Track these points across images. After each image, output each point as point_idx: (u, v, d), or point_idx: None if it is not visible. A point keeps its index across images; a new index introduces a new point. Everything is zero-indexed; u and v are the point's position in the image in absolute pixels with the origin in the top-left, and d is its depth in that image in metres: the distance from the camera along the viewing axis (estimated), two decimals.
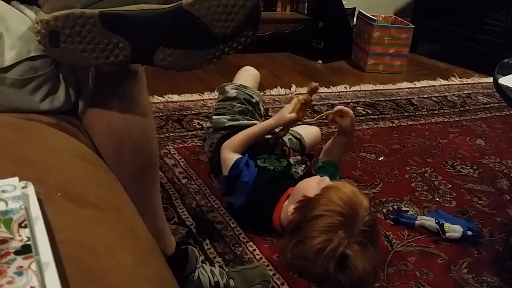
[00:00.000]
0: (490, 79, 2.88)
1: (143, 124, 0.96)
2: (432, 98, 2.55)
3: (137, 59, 0.83)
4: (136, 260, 0.47)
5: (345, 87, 2.56)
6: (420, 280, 1.28)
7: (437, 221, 1.46)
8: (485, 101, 2.59)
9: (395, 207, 1.58)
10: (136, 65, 0.95)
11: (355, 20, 3.13)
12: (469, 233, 1.43)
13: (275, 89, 2.49)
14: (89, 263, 0.42)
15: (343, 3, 3.01)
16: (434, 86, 2.72)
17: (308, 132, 1.83)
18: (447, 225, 1.45)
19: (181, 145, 1.87)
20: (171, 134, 1.95)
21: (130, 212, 0.55)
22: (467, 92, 2.68)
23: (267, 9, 3.10)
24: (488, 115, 2.41)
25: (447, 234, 1.44)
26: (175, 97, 2.29)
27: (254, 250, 1.35)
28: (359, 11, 3.03)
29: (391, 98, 2.50)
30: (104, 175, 0.58)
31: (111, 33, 0.79)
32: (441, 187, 1.73)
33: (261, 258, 1.32)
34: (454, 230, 1.44)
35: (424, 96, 2.56)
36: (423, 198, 1.65)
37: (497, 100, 2.60)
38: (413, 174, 1.80)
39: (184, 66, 0.85)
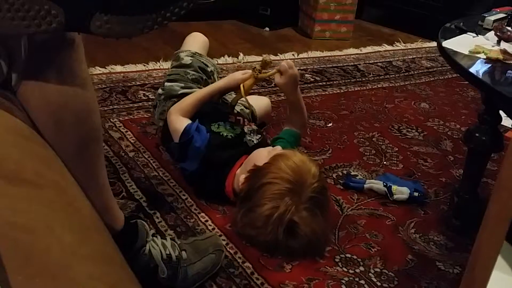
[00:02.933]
0: (433, 44, 2.94)
1: (82, 96, 0.91)
2: (378, 63, 2.58)
3: (72, 26, 0.78)
4: (77, 239, 0.45)
5: (293, 55, 2.55)
6: (370, 242, 1.31)
7: (385, 184, 1.49)
8: (429, 65, 2.64)
9: (345, 172, 1.60)
10: (74, 33, 0.89)
11: None
12: (416, 194, 1.47)
13: (222, 57, 2.44)
14: (26, 244, 0.40)
15: None
16: (379, 51, 2.75)
17: (258, 102, 1.81)
18: (394, 187, 1.48)
19: (126, 118, 1.81)
20: (115, 107, 1.88)
21: (71, 188, 0.51)
22: (411, 57, 2.73)
23: None
24: (431, 79, 2.47)
25: (395, 196, 1.47)
26: (119, 68, 2.21)
27: (207, 221, 1.33)
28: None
29: (338, 65, 2.51)
30: (42, 150, 0.54)
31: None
32: (388, 150, 1.76)
33: (213, 229, 1.31)
34: (401, 192, 1.48)
35: (370, 62, 2.59)
36: (371, 162, 1.68)
37: (440, 64, 2.66)
38: (361, 139, 1.82)
39: (124, 33, 0.80)
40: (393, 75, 2.45)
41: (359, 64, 2.53)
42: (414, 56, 2.73)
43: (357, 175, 1.59)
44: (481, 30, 1.32)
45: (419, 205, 1.47)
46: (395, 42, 2.89)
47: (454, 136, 1.91)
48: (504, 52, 1.14)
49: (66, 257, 0.42)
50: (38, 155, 0.53)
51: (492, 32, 1.29)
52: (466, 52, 1.16)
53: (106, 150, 1.59)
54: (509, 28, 1.27)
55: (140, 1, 0.78)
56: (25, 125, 0.74)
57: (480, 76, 1.05)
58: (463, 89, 2.38)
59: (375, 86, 2.30)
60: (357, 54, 2.68)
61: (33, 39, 0.84)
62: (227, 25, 3.02)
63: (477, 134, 1.27)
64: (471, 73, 1.06)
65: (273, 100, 1.97)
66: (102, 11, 0.77)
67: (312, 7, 2.88)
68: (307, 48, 2.67)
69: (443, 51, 1.17)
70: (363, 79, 2.37)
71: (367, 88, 2.28)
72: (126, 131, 1.73)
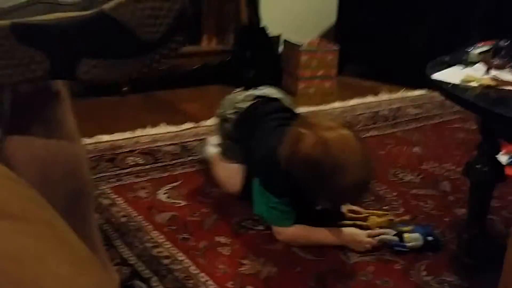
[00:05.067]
0: (417, 92, 2.98)
1: (70, 149, 0.87)
2: (365, 114, 2.59)
3: (58, 73, 0.76)
4: (71, 270, 0.40)
5: None
6: None
7: (395, 232, 1.42)
8: (415, 112, 2.66)
9: None
10: (59, 85, 0.87)
11: (281, 47, 3.17)
12: (429, 238, 1.40)
13: (209, 120, 2.43)
14: (15, 274, 0.35)
15: (267, 32, 3.04)
16: (364, 103, 2.76)
17: None
18: (406, 235, 1.41)
19: (116, 184, 1.76)
20: (104, 174, 1.83)
21: (61, 225, 0.47)
22: (396, 106, 2.74)
23: (193, 43, 3.07)
24: (420, 125, 2.47)
25: (409, 244, 1.40)
26: (105, 137, 2.18)
27: (207, 280, 1.26)
28: (284, 39, 3.07)
29: None
30: (29, 191, 0.49)
31: (26, 46, 0.72)
32: (386, 196, 1.72)
33: None
34: (415, 238, 1.40)
35: (357, 113, 2.60)
36: (372, 209, 1.63)
37: (426, 111, 2.68)
38: None
39: (112, 78, 0.78)
40: (381, 124, 2.46)
41: (346, 116, 2.54)
42: (399, 105, 2.75)
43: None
44: (467, 63, 1.33)
45: (435, 250, 1.40)
46: (379, 93, 2.92)
47: (451, 177, 1.88)
48: (495, 79, 1.14)
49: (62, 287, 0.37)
50: (26, 195, 0.48)
51: (480, 64, 1.29)
52: (458, 82, 1.15)
53: (96, 217, 1.53)
54: (496, 59, 1.28)
55: (128, 44, 0.76)
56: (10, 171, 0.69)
57: (477, 102, 1.03)
58: (452, 132, 2.38)
59: (365, 135, 2.29)
60: (343, 106, 2.70)
61: (18, 92, 0.81)
62: (212, 89, 3.04)
63: (477, 166, 1.24)
64: (467, 100, 1.04)
65: None
66: (89, 56, 0.75)
67: (294, 66, 2.92)
68: (292, 105, 2.67)
69: (433, 83, 1.16)
70: (352, 129, 2.36)
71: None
72: (116, 197, 1.67)
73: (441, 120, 2.55)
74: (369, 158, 1.34)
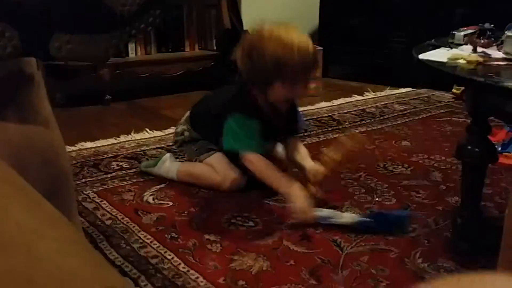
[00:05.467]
0: (402, 90, 2.98)
1: (47, 136, 0.83)
2: (352, 112, 2.57)
3: (29, 50, 0.72)
4: (40, 222, 0.36)
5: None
6: (377, 277, 1.20)
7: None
8: (402, 108, 2.65)
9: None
10: (33, 69, 0.83)
11: None
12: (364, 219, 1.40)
13: None
14: None
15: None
16: (351, 102, 2.75)
17: None
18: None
19: (100, 188, 1.71)
20: (88, 179, 1.79)
21: (31, 189, 0.43)
22: (383, 103, 2.73)
23: (176, 49, 3.04)
24: (407, 120, 2.46)
25: (340, 220, 1.42)
26: (89, 144, 2.13)
27: (197, 277, 1.21)
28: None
29: (313, 117, 2.48)
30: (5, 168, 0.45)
31: None
32: (378, 187, 1.69)
33: (205, 285, 1.19)
34: (349, 216, 1.44)
35: (344, 111, 2.58)
36: (363, 201, 1.60)
37: (413, 107, 2.67)
38: (349, 180, 1.75)
39: (87, 54, 0.74)
40: (369, 120, 2.44)
41: (333, 115, 2.52)
42: (385, 102, 2.74)
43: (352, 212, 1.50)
44: (453, 45, 1.31)
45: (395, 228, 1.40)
46: (365, 92, 2.91)
47: (442, 167, 1.86)
48: (483, 55, 1.12)
49: (26, 236, 0.33)
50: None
51: (465, 45, 1.27)
52: (445, 60, 1.13)
53: (81, 221, 1.48)
54: (481, 39, 1.27)
55: (103, 18, 0.73)
56: None
57: (471, 76, 1.01)
58: (440, 125, 2.37)
59: (353, 131, 2.27)
60: (329, 106, 2.68)
61: None
62: (196, 95, 2.99)
63: (469, 147, 1.22)
64: (457, 75, 1.02)
65: None
66: (61, 30, 0.71)
67: None
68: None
69: (422, 62, 1.14)
70: (340, 126, 2.34)
71: (345, 134, 2.24)
72: (101, 201, 1.62)
73: (428, 114, 2.54)
74: (309, 44, 1.53)
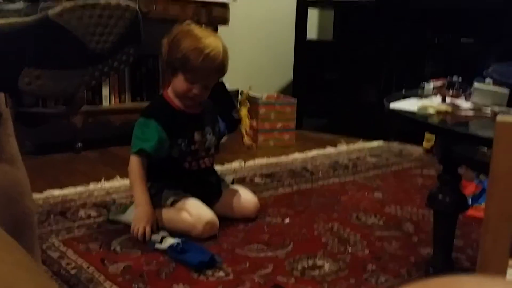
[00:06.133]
0: (374, 143, 3.02)
1: (12, 174, 0.80)
2: (325, 163, 2.58)
3: None
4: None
5: (239, 163, 2.51)
6: None
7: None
8: (374, 160, 2.67)
9: (311, 262, 1.49)
10: (0, 105, 0.81)
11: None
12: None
13: None
14: None
15: (226, 86, 3.05)
16: (324, 153, 2.77)
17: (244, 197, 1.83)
18: (165, 239, 1.55)
19: (67, 237, 1.65)
20: (54, 227, 1.72)
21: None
22: (356, 155, 2.76)
23: (150, 98, 3.04)
24: (379, 172, 2.48)
25: (162, 246, 1.53)
26: (57, 192, 2.07)
27: None
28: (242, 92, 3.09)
29: (287, 168, 2.48)
30: None
31: None
32: (351, 238, 1.68)
33: None
34: (169, 242, 1.53)
35: (317, 163, 2.59)
36: (336, 251, 1.58)
37: (385, 159, 2.70)
38: (322, 230, 1.73)
39: (57, 90, 0.73)
40: (342, 171, 2.45)
41: (307, 166, 2.52)
42: (358, 155, 2.77)
43: (322, 265, 1.47)
44: (422, 96, 1.34)
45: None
46: (338, 144, 2.94)
47: (414, 218, 1.86)
48: (452, 105, 1.15)
49: None
50: None
51: (435, 96, 1.30)
52: (415, 110, 1.15)
53: (45, 270, 1.42)
54: (450, 91, 1.30)
55: (76, 54, 0.72)
56: None
57: (437, 125, 1.03)
58: (411, 178, 2.40)
59: (326, 183, 2.27)
60: (303, 157, 2.69)
61: None
62: None
63: (440, 196, 1.22)
64: (427, 123, 1.04)
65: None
66: (31, 65, 0.70)
67: (253, 118, 2.92)
68: (253, 156, 2.64)
69: (392, 112, 1.16)
70: (313, 177, 2.34)
71: (319, 184, 2.24)
72: (67, 250, 1.56)
73: (399, 167, 2.57)
74: (220, 55, 1.66)
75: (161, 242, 1.55)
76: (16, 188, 0.80)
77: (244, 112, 1.75)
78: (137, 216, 1.63)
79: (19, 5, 0.69)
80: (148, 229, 1.60)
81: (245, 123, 1.76)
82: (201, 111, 1.77)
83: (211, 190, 1.78)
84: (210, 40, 1.65)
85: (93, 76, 0.74)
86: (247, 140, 1.78)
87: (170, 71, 1.71)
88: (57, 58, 0.71)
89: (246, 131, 1.76)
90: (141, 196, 1.65)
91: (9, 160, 0.79)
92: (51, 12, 0.69)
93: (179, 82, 1.68)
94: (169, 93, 1.75)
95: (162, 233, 1.60)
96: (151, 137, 1.67)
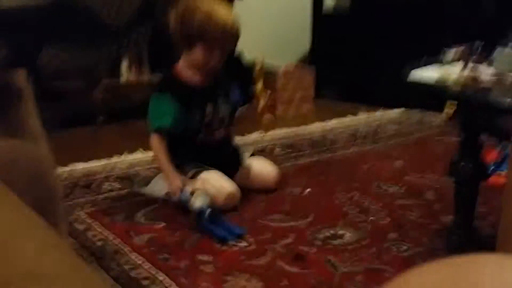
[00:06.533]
0: (395, 111, 2.98)
1: (34, 151, 0.82)
2: (345, 133, 2.57)
3: (18, 62, 0.71)
4: (19, 223, 0.35)
5: (260, 133, 2.51)
6: None
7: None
8: (394, 128, 2.65)
9: (332, 232, 1.50)
10: (21, 82, 0.82)
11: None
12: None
13: None
14: None
15: (244, 57, 3.03)
16: (344, 123, 2.75)
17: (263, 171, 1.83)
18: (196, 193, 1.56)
19: (92, 209, 1.69)
20: (79, 200, 1.76)
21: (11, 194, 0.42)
22: (376, 124, 2.74)
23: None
24: (400, 140, 2.46)
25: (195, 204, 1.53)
26: (81, 165, 2.11)
27: None
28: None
29: (306, 137, 2.48)
30: None
31: None
32: (372, 207, 1.68)
33: None
34: (201, 199, 1.54)
35: (337, 132, 2.58)
36: (357, 220, 1.59)
37: (405, 127, 2.68)
38: (342, 200, 1.74)
39: (76, 66, 0.74)
40: (363, 140, 2.44)
41: (327, 135, 2.52)
42: (378, 123, 2.75)
43: (344, 234, 1.49)
44: (444, 62, 1.32)
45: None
46: (357, 114, 2.92)
47: (435, 186, 1.85)
48: (474, 72, 1.13)
49: (3, 235, 0.32)
50: None
51: (456, 62, 1.28)
52: (436, 78, 1.13)
53: (71, 242, 1.45)
54: (473, 56, 1.27)
55: (93, 31, 0.72)
56: None
57: (458, 93, 1.01)
58: (432, 146, 2.38)
59: (346, 152, 2.27)
60: (323, 126, 2.68)
61: None
62: None
63: (462, 164, 1.21)
64: (448, 92, 1.02)
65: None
66: (51, 42, 0.71)
67: (272, 88, 2.90)
68: (272, 126, 2.64)
69: (413, 81, 1.14)
70: (333, 146, 2.34)
71: (339, 154, 2.24)
72: (92, 222, 1.60)
73: (420, 135, 2.55)
74: (233, 21, 1.69)
75: (192, 194, 1.57)
76: (40, 165, 0.82)
77: (260, 86, 1.74)
78: (171, 181, 1.66)
79: None
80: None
81: (262, 98, 1.75)
82: (213, 83, 1.77)
83: (228, 161, 1.80)
84: (222, 8, 1.69)
85: (111, 51, 0.74)
86: (265, 115, 1.77)
87: (185, 45, 1.70)
88: (76, 34, 0.71)
89: (263, 106, 1.75)
90: (168, 168, 1.68)
91: (32, 137, 0.81)
92: None
93: (197, 54, 1.68)
94: (180, 67, 1.75)
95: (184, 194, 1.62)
96: (167, 112, 1.68)
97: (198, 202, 1.54)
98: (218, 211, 1.56)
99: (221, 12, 1.67)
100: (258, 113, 1.84)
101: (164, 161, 1.69)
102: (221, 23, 1.65)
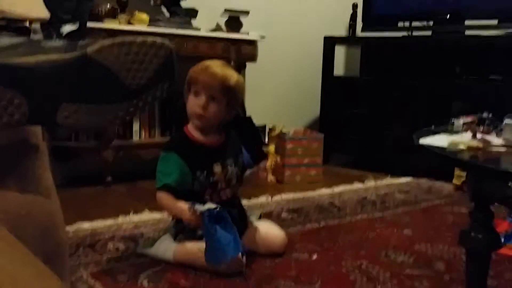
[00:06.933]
0: (403, 179, 2.98)
1: (46, 206, 0.82)
2: (353, 199, 2.56)
3: (37, 118, 0.73)
4: (31, 275, 0.35)
5: (266, 198, 2.51)
6: None
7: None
8: (402, 197, 2.64)
9: None
10: (37, 139, 0.84)
11: (267, 137, 3.20)
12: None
13: None
14: None
15: (254, 121, 3.08)
16: (352, 189, 2.75)
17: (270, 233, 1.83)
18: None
19: (95, 269, 1.67)
20: (82, 260, 1.74)
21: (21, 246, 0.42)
22: (384, 191, 2.73)
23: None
24: (408, 209, 2.44)
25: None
26: (86, 225, 2.09)
27: None
28: (269, 128, 3.11)
29: (314, 203, 2.47)
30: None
31: (4, 88, 0.70)
32: (380, 276, 1.64)
33: None
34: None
35: (345, 198, 2.57)
36: None
37: (414, 196, 2.66)
38: (350, 268, 1.70)
39: (93, 124, 0.75)
40: (370, 208, 2.42)
41: (334, 201, 2.50)
42: (386, 191, 2.74)
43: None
44: (452, 132, 1.33)
45: None
46: (366, 180, 2.92)
47: (445, 257, 1.82)
48: (483, 141, 1.13)
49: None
50: None
51: (464, 132, 1.29)
52: (446, 146, 1.14)
53: None
54: (480, 127, 1.29)
55: (112, 89, 0.74)
56: None
57: (471, 161, 1.02)
58: (441, 215, 2.35)
59: (354, 219, 2.25)
60: (330, 192, 2.67)
61: None
62: None
63: (472, 234, 1.20)
64: (458, 159, 1.03)
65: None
66: (70, 100, 0.73)
67: (280, 154, 2.93)
68: (280, 191, 2.64)
69: (422, 147, 1.15)
70: (341, 213, 2.32)
71: (346, 221, 2.22)
72: (95, 282, 1.57)
73: (429, 204, 2.53)
74: (228, 71, 1.73)
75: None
76: (51, 219, 0.82)
77: (272, 148, 1.76)
78: (182, 209, 1.66)
79: (59, 43, 0.72)
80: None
81: (272, 159, 1.76)
82: (223, 143, 1.79)
83: (234, 223, 1.78)
84: (221, 65, 1.74)
85: (128, 110, 0.76)
86: (271, 176, 1.78)
87: (186, 99, 1.76)
88: (94, 93, 0.73)
89: (271, 167, 1.76)
90: (175, 203, 1.68)
91: (45, 192, 0.81)
92: (90, 49, 0.71)
93: (188, 102, 1.74)
94: (190, 127, 1.78)
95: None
96: (173, 170, 1.69)
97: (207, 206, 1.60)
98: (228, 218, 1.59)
99: (216, 65, 1.72)
100: (264, 172, 1.85)
101: (171, 201, 1.69)
102: (210, 71, 1.69)
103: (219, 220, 1.57)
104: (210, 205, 1.60)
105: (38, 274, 0.39)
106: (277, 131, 1.81)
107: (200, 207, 1.60)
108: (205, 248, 1.57)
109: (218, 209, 1.58)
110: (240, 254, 1.62)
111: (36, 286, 0.35)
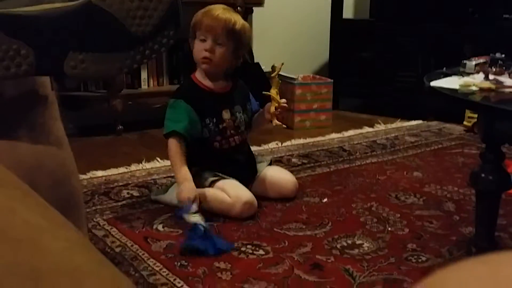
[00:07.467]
0: (413, 122, 2.97)
1: (58, 156, 0.83)
2: (362, 143, 2.56)
3: (44, 68, 0.73)
4: (47, 222, 0.36)
5: (276, 144, 2.52)
6: None
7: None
8: (412, 140, 2.64)
9: (349, 242, 1.50)
10: (46, 89, 0.84)
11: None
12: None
13: None
14: None
15: (262, 67, 3.05)
16: (361, 133, 2.75)
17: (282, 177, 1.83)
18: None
19: (110, 216, 1.71)
20: (98, 207, 1.78)
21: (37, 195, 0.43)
22: (393, 135, 2.73)
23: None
24: (418, 151, 2.44)
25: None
26: (100, 173, 2.13)
27: None
28: (279, 74, 3.07)
29: (323, 148, 2.48)
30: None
31: (10, 38, 0.69)
32: (390, 217, 1.67)
33: None
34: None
35: (354, 142, 2.57)
36: (375, 230, 1.58)
37: (424, 138, 2.66)
38: (360, 210, 1.73)
39: (101, 73, 0.75)
40: (380, 151, 2.43)
41: (344, 146, 2.51)
42: (396, 134, 2.73)
43: (362, 243, 1.48)
44: (464, 74, 1.31)
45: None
46: (375, 124, 2.91)
47: (455, 198, 1.84)
48: (495, 82, 1.12)
49: (34, 233, 0.33)
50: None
51: (476, 74, 1.27)
52: (457, 87, 1.13)
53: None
54: (493, 68, 1.27)
55: (117, 37, 0.74)
56: None
57: (480, 102, 1.01)
58: (452, 157, 2.35)
59: (364, 162, 2.26)
60: (340, 137, 2.67)
61: (3, 95, 0.78)
62: None
63: (482, 175, 1.20)
64: (469, 101, 1.02)
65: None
66: (76, 49, 0.72)
67: (289, 99, 2.90)
68: (290, 137, 2.65)
69: (433, 90, 1.14)
70: (351, 157, 2.33)
71: (356, 164, 2.23)
72: (111, 228, 1.61)
73: (439, 146, 2.53)
74: (230, 14, 1.72)
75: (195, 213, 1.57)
76: (63, 169, 0.83)
77: (273, 91, 1.74)
78: (183, 189, 1.63)
79: None
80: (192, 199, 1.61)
81: (274, 101, 1.74)
82: (230, 90, 1.78)
83: (244, 169, 1.80)
84: (223, 8, 1.72)
85: (135, 59, 0.76)
86: (276, 121, 1.76)
87: (191, 44, 1.75)
88: (100, 41, 0.73)
89: (274, 110, 1.74)
90: (184, 174, 1.67)
91: (56, 142, 0.82)
92: None
93: (194, 48, 1.73)
94: (197, 74, 1.78)
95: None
96: (182, 118, 1.69)
97: (194, 220, 1.54)
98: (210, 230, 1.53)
99: (219, 9, 1.70)
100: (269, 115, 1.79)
101: (179, 164, 1.68)
102: (214, 15, 1.67)
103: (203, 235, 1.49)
104: (198, 219, 1.55)
105: (56, 222, 0.39)
106: (276, 70, 1.78)
107: (187, 217, 1.56)
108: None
109: (203, 227, 1.50)
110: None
111: (51, 233, 0.36)
